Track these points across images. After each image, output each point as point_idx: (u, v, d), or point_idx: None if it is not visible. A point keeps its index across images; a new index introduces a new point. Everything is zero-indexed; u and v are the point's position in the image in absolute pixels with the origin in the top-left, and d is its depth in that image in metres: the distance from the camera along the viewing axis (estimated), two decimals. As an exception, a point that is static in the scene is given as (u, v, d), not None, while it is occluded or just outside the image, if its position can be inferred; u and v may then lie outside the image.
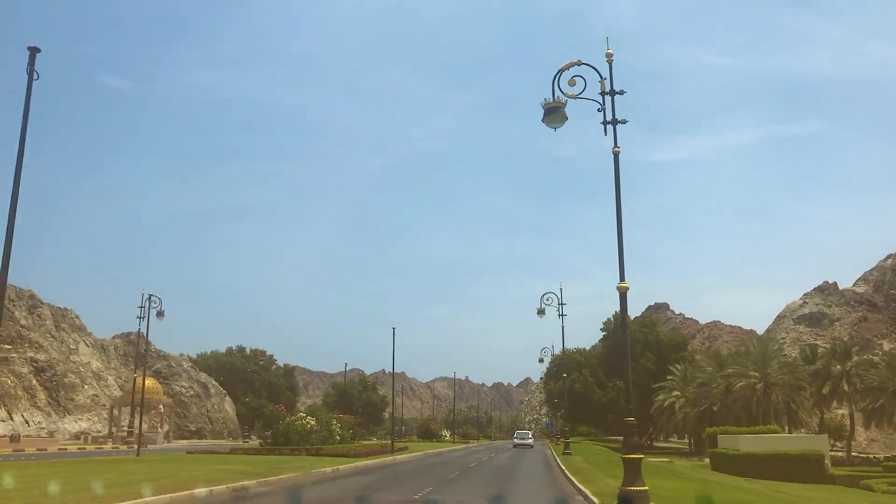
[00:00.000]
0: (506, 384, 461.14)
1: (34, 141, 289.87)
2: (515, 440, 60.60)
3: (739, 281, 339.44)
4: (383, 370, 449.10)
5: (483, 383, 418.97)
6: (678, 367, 58.92)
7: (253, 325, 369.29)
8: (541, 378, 77.05)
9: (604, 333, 69.19)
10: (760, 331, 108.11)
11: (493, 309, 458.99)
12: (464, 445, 63.08)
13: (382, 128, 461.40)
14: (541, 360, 60.16)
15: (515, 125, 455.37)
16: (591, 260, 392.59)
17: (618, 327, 67.31)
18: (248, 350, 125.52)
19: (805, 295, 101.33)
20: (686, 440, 72.79)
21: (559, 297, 40.80)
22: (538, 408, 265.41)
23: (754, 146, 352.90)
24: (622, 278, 14.56)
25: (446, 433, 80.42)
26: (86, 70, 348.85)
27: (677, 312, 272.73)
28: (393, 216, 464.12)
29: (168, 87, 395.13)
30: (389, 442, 35.46)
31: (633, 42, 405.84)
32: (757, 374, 42.93)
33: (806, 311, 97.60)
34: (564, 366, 61.56)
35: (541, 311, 37.77)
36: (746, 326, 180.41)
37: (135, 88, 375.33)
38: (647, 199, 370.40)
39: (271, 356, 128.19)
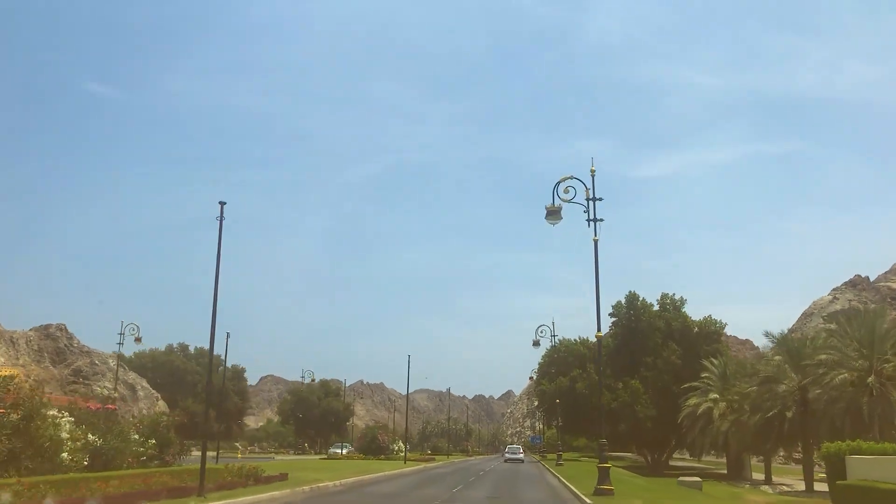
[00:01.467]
0: (487, 397, 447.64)
1: (18, 144, 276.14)
2: (507, 455, 67.91)
3: (721, 295, 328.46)
4: (361, 380, 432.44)
5: (464, 395, 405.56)
6: (714, 361, 44.19)
7: (231, 334, 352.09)
8: (531, 377, 60.28)
9: (613, 321, 53.70)
10: (756, 341, 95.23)
11: (477, 321, 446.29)
12: (420, 467, 46.65)
13: (368, 138, 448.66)
14: (536, 344, 52.96)
15: (502, 137, 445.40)
16: (577, 273, 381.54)
17: (632, 312, 52.32)
18: (192, 349, 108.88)
19: (834, 290, 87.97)
20: (711, 456, 58.06)
21: (590, 187, 23.37)
22: (521, 420, 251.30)
23: (736, 163, 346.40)
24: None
25: (402, 447, 60.93)
26: (71, 76, 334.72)
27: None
28: (378, 227, 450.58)
29: (153, 95, 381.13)
30: (238, 467, 18.94)
31: (618, 58, 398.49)
32: (865, 362, 28.16)
33: (837, 307, 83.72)
34: (565, 356, 46.93)
35: (553, 213, 22.86)
36: (741, 337, 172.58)
37: (120, 95, 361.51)
38: (632, 214, 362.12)
39: (218, 356, 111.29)
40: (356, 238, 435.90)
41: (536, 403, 64.18)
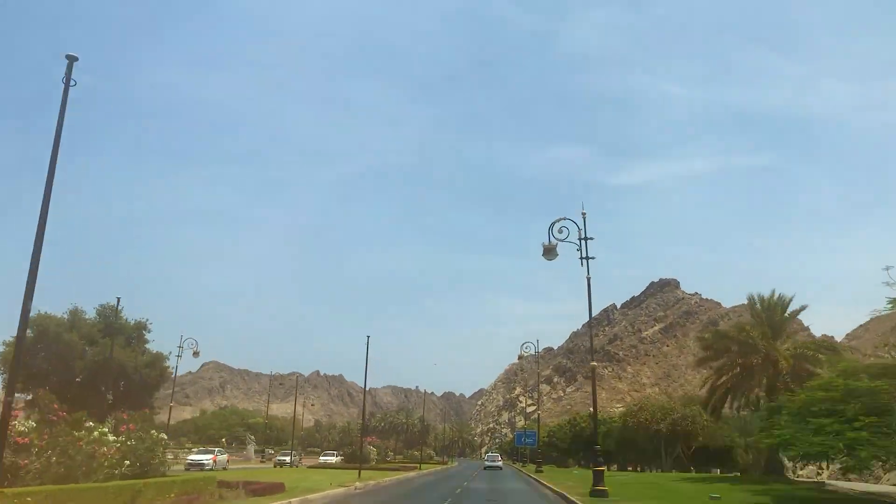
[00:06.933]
0: (458, 395, 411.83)
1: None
2: (487, 462, 70.15)
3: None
4: (317, 371, 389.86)
5: (432, 392, 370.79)
6: None
7: (194, 320, 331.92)
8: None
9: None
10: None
11: (450, 323, 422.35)
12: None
13: (347, 138, 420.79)
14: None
15: (480, 142, 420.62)
16: (551, 278, 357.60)
17: None
18: None
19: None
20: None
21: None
22: (495, 414, 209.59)
23: (710, 176, 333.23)
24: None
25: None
26: (50, 63, 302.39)
27: (691, 292, 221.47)
28: (352, 227, 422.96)
29: (129, 85, 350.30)
30: None
31: (596, 68, 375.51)
32: None
33: None
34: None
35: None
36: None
37: (99, 85, 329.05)
38: (607, 221, 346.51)
39: None
40: (331, 237, 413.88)
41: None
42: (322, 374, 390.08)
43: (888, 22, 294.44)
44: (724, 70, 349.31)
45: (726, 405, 34.78)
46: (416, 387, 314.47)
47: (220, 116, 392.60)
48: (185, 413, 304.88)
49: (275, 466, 55.43)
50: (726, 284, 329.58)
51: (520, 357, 47.50)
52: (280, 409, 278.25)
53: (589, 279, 22.69)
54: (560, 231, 22.92)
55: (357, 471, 29.43)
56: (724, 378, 34.12)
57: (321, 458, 68.92)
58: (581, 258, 22.74)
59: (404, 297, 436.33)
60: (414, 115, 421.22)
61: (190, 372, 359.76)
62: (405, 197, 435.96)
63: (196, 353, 47.94)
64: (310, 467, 49.82)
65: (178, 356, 48.77)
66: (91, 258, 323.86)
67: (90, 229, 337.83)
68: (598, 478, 21.68)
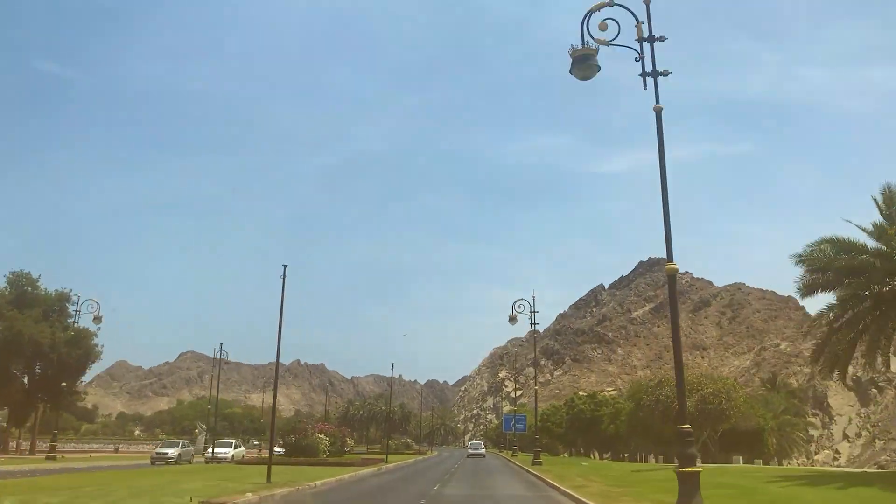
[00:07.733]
0: (441, 382, 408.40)
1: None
2: (470, 450, 69.25)
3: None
4: (298, 360, 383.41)
5: (415, 380, 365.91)
6: None
7: (172, 310, 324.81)
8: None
9: None
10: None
11: (433, 311, 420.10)
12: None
13: (326, 127, 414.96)
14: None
15: (460, 130, 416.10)
16: (530, 266, 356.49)
17: None
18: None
19: None
20: None
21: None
22: (479, 399, 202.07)
23: (690, 164, 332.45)
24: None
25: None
26: (18, 53, 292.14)
27: (683, 271, 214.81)
28: (333, 216, 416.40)
29: (107, 76, 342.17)
30: None
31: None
32: None
33: None
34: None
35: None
36: (783, 292, 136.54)
37: (71, 75, 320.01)
38: (590, 209, 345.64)
39: None
40: (311, 226, 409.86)
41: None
42: (303, 363, 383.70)
43: (864, 7, 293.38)
44: (703, 57, 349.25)
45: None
46: (401, 375, 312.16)
47: (198, 107, 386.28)
48: (162, 404, 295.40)
49: (152, 464, 41.33)
50: (714, 267, 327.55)
51: (511, 319, 40.36)
52: (260, 400, 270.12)
53: (659, 111, 13.04)
54: (603, 27, 12.86)
55: (268, 470, 19.64)
56: (848, 315, 22.56)
57: (215, 449, 50.02)
58: (643, 74, 13.09)
59: (386, 286, 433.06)
60: (393, 104, 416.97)
61: (167, 362, 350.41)
62: (385, 185, 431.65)
63: (97, 319, 38.44)
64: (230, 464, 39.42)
65: (75, 320, 38.75)
66: (72, 250, 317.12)
67: (68, 220, 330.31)
68: (692, 485, 11.06)
